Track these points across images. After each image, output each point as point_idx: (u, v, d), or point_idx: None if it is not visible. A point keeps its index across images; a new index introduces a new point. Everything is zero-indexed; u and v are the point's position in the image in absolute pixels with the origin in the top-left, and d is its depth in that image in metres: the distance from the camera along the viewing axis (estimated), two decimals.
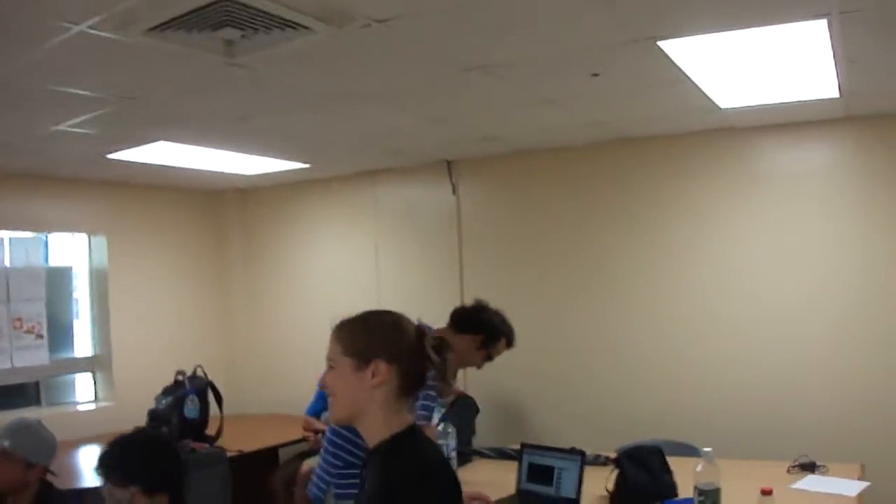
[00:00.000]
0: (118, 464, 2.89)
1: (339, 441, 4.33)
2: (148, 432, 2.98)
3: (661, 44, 4.00)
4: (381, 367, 2.41)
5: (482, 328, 5.49)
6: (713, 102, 5.28)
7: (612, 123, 6.01)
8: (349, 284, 8.04)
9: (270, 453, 7.01)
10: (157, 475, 2.84)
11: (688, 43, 4.01)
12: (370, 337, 2.47)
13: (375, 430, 2.43)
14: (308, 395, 6.43)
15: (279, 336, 8.63)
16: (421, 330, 2.52)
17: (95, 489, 3.50)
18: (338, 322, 2.58)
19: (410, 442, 2.45)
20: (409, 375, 2.46)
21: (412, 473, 2.33)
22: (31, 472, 3.61)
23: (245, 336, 8.88)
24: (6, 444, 3.58)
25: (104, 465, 2.90)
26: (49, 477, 3.76)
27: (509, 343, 5.68)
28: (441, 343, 2.57)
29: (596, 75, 4.58)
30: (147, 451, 2.94)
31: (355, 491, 4.19)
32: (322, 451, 4.48)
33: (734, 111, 5.59)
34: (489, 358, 5.61)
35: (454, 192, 7.44)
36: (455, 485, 2.44)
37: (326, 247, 8.38)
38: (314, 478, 4.50)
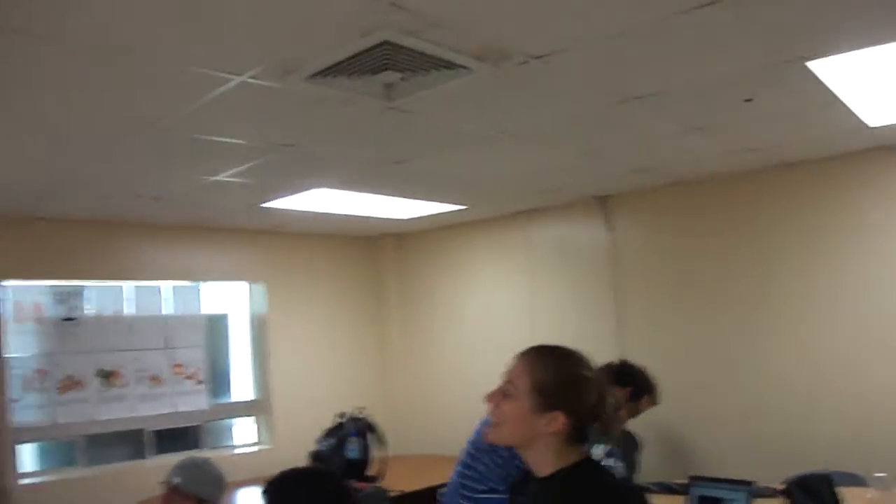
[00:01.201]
0: (279, 495, 2.93)
1: (483, 465, 4.30)
2: (314, 468, 2.99)
3: (809, 64, 3.89)
4: (559, 420, 2.35)
5: (632, 381, 5.45)
6: (862, 121, 5.08)
7: (765, 149, 5.81)
8: (504, 326, 8.03)
9: (430, 493, 7.02)
10: None
11: (835, 61, 3.87)
12: (561, 387, 2.37)
13: (545, 462, 2.38)
14: (466, 435, 6.45)
15: (437, 377, 8.69)
16: (603, 390, 2.44)
17: None
18: (534, 349, 2.51)
19: (592, 471, 2.41)
20: (579, 429, 2.38)
21: (604, 497, 2.30)
22: None
23: (403, 378, 8.98)
24: (178, 480, 3.73)
25: (270, 492, 2.95)
26: None
27: (654, 400, 5.62)
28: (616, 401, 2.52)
29: (749, 100, 4.48)
30: (308, 485, 2.97)
31: None
32: (460, 468, 4.45)
33: (886, 129, 5.36)
34: (636, 413, 5.55)
35: (608, 228, 7.35)
36: None
37: (481, 288, 8.40)
38: (446, 497, 4.47)
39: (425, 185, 6.42)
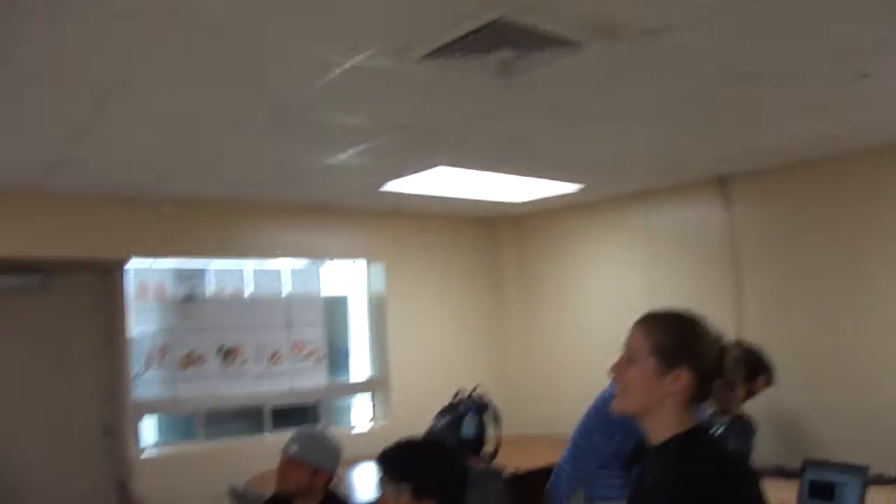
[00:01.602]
0: (396, 460, 2.91)
1: (596, 441, 4.25)
2: (434, 439, 2.96)
3: None
4: (683, 377, 2.35)
5: (748, 362, 5.29)
6: None
7: (887, 127, 5.57)
8: (622, 308, 7.78)
9: (545, 473, 6.97)
10: (430, 479, 2.82)
11: None
12: (681, 345, 2.38)
13: (664, 427, 2.37)
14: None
15: (553, 358, 8.59)
16: (722, 345, 2.43)
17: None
18: (649, 315, 2.50)
19: (705, 438, 2.44)
20: (703, 387, 2.38)
21: (713, 466, 2.28)
22: (317, 479, 3.74)
23: (520, 358, 8.93)
24: (294, 450, 3.74)
25: (383, 459, 2.93)
26: (333, 484, 3.89)
27: (769, 380, 5.45)
28: (737, 357, 2.48)
29: (866, 76, 4.27)
30: (425, 454, 2.94)
31: (613, 494, 4.13)
32: (572, 447, 4.40)
33: None
34: (752, 394, 5.39)
35: (727, 210, 7.13)
36: (757, 480, 2.32)
37: (599, 271, 8.24)
38: (560, 472, 4.43)
39: (541, 163, 6.30)
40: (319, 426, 7.27)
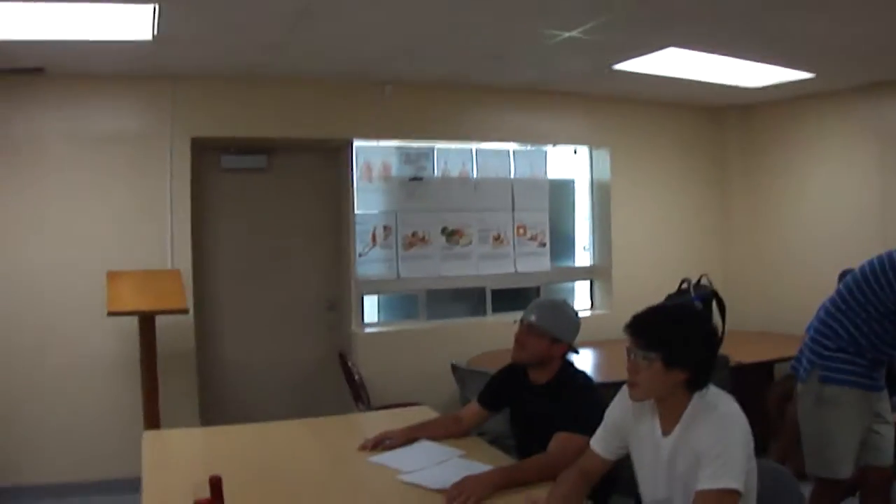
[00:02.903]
0: (648, 327, 2.78)
1: (836, 323, 4.02)
2: (692, 308, 2.80)
3: None
4: None
5: None
6: None
7: None
8: (851, 207, 7.40)
9: (766, 368, 6.75)
10: (682, 350, 2.69)
11: None
12: None
13: None
14: (807, 315, 6.06)
15: (777, 254, 8.21)
16: None
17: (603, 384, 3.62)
18: None
19: None
20: None
21: None
22: (555, 348, 3.68)
23: (743, 253, 8.57)
24: (533, 318, 3.68)
25: (635, 325, 2.80)
26: (571, 355, 3.82)
27: None
28: None
29: None
30: (680, 323, 2.79)
31: (844, 377, 3.91)
32: (813, 329, 4.19)
33: None
34: None
35: None
36: None
37: (827, 165, 7.73)
38: (800, 354, 4.24)
39: (776, 47, 5.87)
40: (559, 297, 7.21)
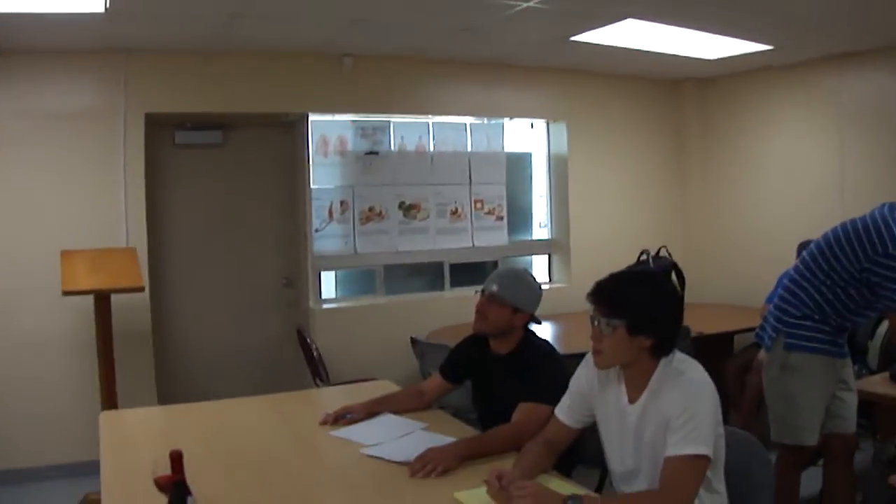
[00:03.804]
0: (611, 293, 2.76)
1: (800, 291, 4.04)
2: (655, 274, 2.77)
3: None
4: None
5: None
6: None
7: None
8: (809, 180, 7.44)
9: (726, 339, 6.81)
10: (646, 316, 2.66)
11: None
12: None
13: None
14: (766, 287, 6.09)
15: (736, 226, 8.27)
16: None
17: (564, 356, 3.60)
18: None
19: None
20: None
21: None
22: (517, 318, 3.65)
23: (702, 225, 8.62)
24: (494, 288, 3.65)
25: (598, 292, 2.78)
26: (533, 325, 3.80)
27: None
28: None
29: None
30: (643, 288, 2.77)
31: (809, 344, 3.93)
32: (777, 297, 4.21)
33: None
34: None
35: None
36: None
37: (785, 137, 7.76)
38: (765, 322, 4.26)
39: (734, 17, 5.86)
40: (521, 266, 7.21)
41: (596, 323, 2.71)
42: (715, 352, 6.42)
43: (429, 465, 2.92)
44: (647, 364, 2.69)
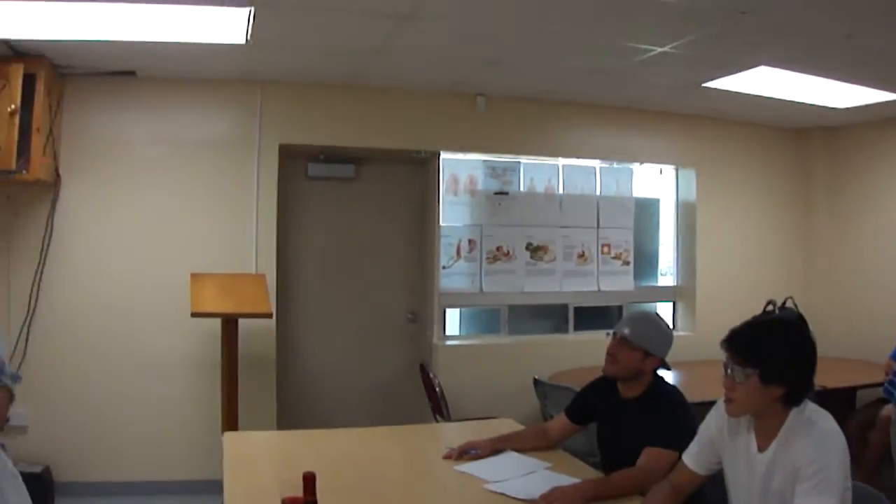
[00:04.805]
0: (746, 341, 2.72)
1: None
2: (789, 322, 2.72)
3: None
4: None
5: None
6: None
7: None
8: None
9: (849, 394, 6.57)
10: (780, 365, 2.62)
11: None
12: None
13: None
14: (891, 343, 5.90)
15: (861, 280, 7.99)
16: None
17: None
18: None
19: None
20: None
21: None
22: (648, 362, 3.62)
23: (826, 277, 8.34)
24: (626, 331, 3.63)
25: (732, 340, 2.74)
26: (662, 371, 3.76)
27: None
28: None
29: None
30: (776, 338, 2.72)
31: None
32: None
33: None
34: None
35: None
36: None
37: None
38: (893, 377, 4.14)
39: (872, 65, 5.71)
40: (651, 311, 7.12)
41: (729, 371, 2.68)
42: (837, 407, 6.19)
43: (557, 496, 2.94)
44: (779, 413, 2.65)
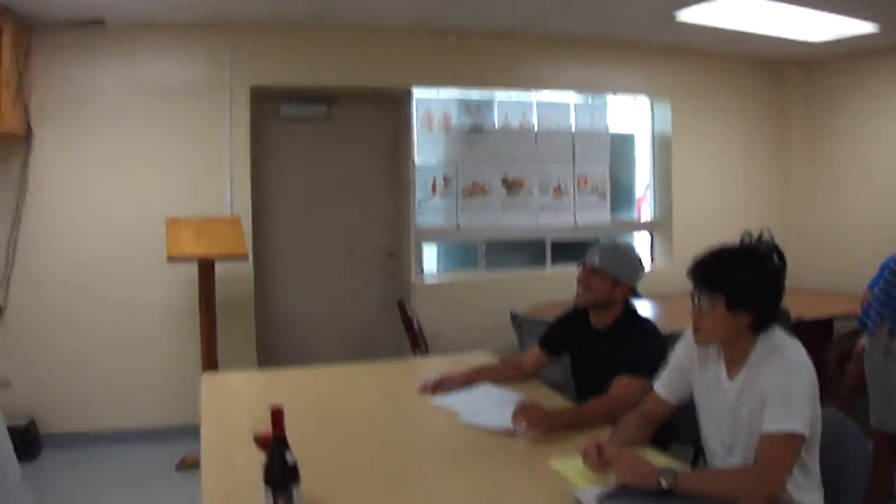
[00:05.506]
0: (711, 269, 2.74)
1: None
2: (754, 248, 2.72)
3: None
4: None
5: None
6: None
7: None
8: None
9: (826, 325, 6.67)
10: (746, 292, 2.64)
11: None
12: None
13: None
14: (868, 273, 5.94)
15: (839, 212, 8.06)
16: None
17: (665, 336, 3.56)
18: None
19: None
20: None
21: None
22: (618, 291, 3.65)
23: (803, 209, 8.43)
24: (595, 260, 3.65)
25: (697, 268, 2.76)
26: (635, 300, 3.79)
27: None
28: None
29: None
30: (740, 265, 2.74)
31: None
32: (882, 281, 4.12)
33: None
34: None
35: None
36: None
37: (890, 121, 7.54)
38: (868, 307, 4.17)
39: None
40: (622, 241, 7.15)
41: (696, 300, 2.70)
42: (814, 338, 6.28)
43: (530, 421, 3.01)
44: (747, 340, 2.66)
